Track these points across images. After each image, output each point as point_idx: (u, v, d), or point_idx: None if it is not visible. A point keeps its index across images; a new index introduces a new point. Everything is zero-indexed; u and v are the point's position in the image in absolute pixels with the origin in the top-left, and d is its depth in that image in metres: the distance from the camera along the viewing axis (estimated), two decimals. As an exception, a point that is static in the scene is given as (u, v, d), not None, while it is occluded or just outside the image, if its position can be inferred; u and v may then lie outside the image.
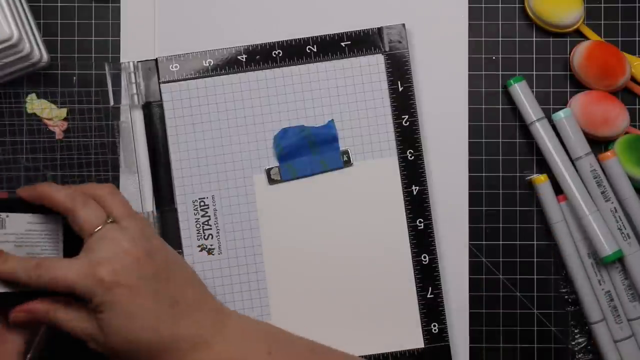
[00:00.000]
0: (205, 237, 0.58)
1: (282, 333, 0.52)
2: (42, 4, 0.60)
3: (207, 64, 0.58)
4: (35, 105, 0.59)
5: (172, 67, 0.58)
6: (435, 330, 0.58)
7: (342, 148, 0.59)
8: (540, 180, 0.58)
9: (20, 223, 0.50)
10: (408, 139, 0.58)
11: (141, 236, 0.48)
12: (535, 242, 0.60)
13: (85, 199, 0.48)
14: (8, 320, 0.48)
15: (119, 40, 0.60)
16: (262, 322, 0.53)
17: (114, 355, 0.47)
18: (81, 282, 0.45)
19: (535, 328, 0.59)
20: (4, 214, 0.49)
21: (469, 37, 0.60)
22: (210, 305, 0.50)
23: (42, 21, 0.60)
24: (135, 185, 0.58)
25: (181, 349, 0.47)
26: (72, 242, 0.50)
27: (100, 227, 0.47)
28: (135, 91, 0.58)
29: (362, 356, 0.58)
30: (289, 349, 0.51)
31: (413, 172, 0.58)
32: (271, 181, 0.58)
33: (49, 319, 0.47)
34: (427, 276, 0.58)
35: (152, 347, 0.46)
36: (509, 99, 0.60)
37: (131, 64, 0.58)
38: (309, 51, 0.58)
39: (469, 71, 0.60)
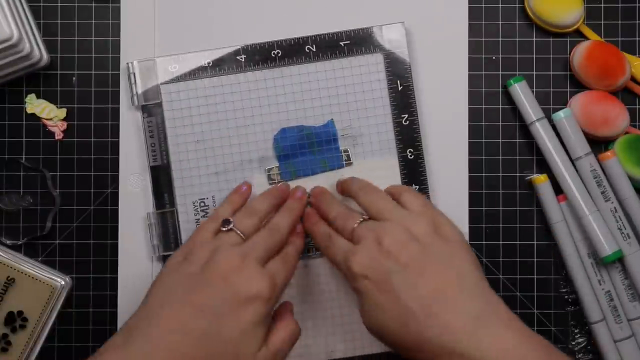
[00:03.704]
0: (205, 237, 0.58)
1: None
2: (42, 4, 0.60)
3: (207, 64, 0.58)
4: (35, 105, 0.59)
5: (171, 68, 0.58)
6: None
7: (342, 148, 0.59)
8: (540, 180, 0.58)
9: None
10: (408, 138, 0.58)
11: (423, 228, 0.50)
12: (535, 242, 0.60)
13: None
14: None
15: (119, 40, 0.59)
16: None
17: (371, 334, 0.50)
18: (342, 266, 0.50)
19: (535, 328, 0.59)
20: None
21: (469, 37, 0.60)
22: (471, 306, 0.46)
23: (42, 21, 0.59)
24: (135, 186, 0.58)
25: (428, 354, 0.46)
26: None
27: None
28: (134, 92, 0.58)
29: (362, 356, 0.58)
30: None
31: (413, 171, 0.58)
32: (271, 181, 0.58)
33: None
34: (428, 275, 0.58)
35: (400, 342, 0.47)
36: (509, 99, 0.59)
37: (130, 65, 0.58)
38: (307, 51, 0.58)
39: (469, 71, 0.60)
